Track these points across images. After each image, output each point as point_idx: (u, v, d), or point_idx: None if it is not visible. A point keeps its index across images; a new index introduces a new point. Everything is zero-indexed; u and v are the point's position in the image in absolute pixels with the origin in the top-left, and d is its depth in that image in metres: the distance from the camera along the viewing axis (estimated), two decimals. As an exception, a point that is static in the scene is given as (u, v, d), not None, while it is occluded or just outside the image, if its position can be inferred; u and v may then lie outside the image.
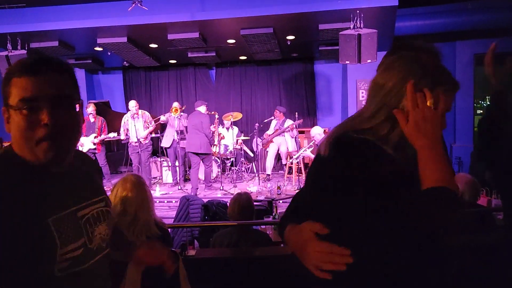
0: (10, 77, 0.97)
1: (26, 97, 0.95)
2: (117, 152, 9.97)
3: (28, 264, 0.94)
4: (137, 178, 2.29)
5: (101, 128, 7.83)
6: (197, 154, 7.35)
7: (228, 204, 4.62)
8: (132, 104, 7.81)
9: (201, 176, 8.07)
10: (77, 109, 1.06)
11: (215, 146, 8.27)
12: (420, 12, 8.30)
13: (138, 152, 7.61)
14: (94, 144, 7.66)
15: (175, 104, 8.09)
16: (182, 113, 8.13)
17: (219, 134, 8.41)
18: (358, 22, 6.37)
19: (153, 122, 7.83)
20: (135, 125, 7.63)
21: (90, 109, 7.87)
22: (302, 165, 8.30)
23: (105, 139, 7.87)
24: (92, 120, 7.80)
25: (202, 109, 7.57)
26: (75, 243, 1.03)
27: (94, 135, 7.66)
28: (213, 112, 8.38)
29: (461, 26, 8.01)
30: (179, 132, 8.11)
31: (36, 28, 7.25)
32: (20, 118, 0.95)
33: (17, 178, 0.97)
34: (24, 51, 7.37)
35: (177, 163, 8.28)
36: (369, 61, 6.47)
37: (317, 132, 7.37)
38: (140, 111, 7.81)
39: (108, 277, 1.22)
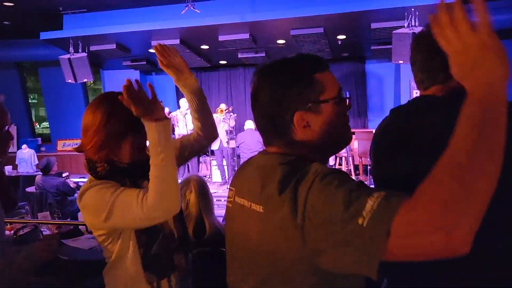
0: (312, 74, 0.93)
1: (340, 87, 0.97)
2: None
3: None
4: (200, 179, 2.26)
5: None
6: None
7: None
8: (184, 102, 8.11)
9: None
10: None
11: None
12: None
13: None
14: None
15: (222, 106, 8.26)
16: (231, 114, 8.26)
17: None
18: (412, 21, 6.16)
19: None
20: (186, 121, 7.88)
21: (166, 110, 8.22)
22: (352, 167, 8.15)
23: None
24: None
25: (251, 124, 7.78)
26: None
27: None
28: (230, 108, 8.50)
29: (525, 22, 7.52)
30: (228, 132, 8.25)
31: (95, 32, 7.64)
32: (341, 108, 0.96)
33: None
34: (84, 54, 7.79)
35: (224, 163, 8.40)
36: (424, 60, 6.24)
37: None
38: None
39: None
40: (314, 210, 0.76)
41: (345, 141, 1.00)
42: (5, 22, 8.79)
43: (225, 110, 8.19)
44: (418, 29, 6.11)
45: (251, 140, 7.53)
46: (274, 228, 0.84)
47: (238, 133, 8.27)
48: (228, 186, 1.24)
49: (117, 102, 1.24)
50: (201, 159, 8.57)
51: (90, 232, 3.19)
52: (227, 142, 8.26)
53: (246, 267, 0.97)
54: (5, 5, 7.59)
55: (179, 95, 10.96)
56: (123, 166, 1.32)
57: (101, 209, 1.20)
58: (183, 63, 1.52)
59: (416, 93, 8.61)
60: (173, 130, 8.15)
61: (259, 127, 1.00)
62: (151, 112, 1.18)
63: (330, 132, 0.93)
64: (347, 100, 0.99)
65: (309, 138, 0.92)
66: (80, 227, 3.76)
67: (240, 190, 1.01)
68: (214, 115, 8.16)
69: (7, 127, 1.41)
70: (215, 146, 8.35)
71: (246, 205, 0.94)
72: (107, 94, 1.35)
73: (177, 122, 8.07)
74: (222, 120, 8.15)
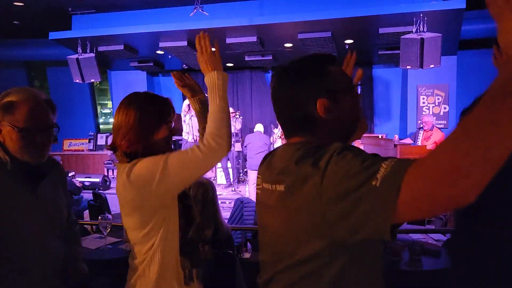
0: (325, 67, 1.04)
1: (351, 78, 1.13)
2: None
3: None
4: (212, 182, 2.41)
5: None
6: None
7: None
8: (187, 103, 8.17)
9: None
10: None
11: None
12: (488, 14, 7.82)
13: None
14: None
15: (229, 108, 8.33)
16: (237, 117, 8.28)
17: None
18: (421, 26, 6.15)
19: None
20: (192, 122, 7.92)
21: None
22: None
23: None
24: None
25: (261, 128, 7.89)
26: None
27: None
28: (238, 113, 8.56)
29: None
30: (234, 134, 8.26)
31: (104, 33, 7.67)
32: (354, 96, 1.07)
33: None
34: (92, 54, 7.82)
35: (229, 165, 8.42)
36: (432, 66, 6.22)
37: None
38: None
39: None
40: (332, 179, 0.83)
41: (362, 127, 1.13)
42: (15, 22, 8.86)
43: (231, 113, 8.24)
44: (426, 35, 6.10)
45: (257, 142, 7.64)
46: (295, 203, 0.92)
47: (247, 134, 8.31)
48: (233, 188, 1.27)
49: (146, 100, 1.45)
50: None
51: (97, 232, 3.20)
52: (232, 145, 8.27)
53: (274, 246, 1.05)
54: (15, 4, 7.65)
55: (185, 97, 10.98)
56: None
57: (155, 169, 1.30)
58: (196, 84, 1.75)
59: (423, 98, 8.59)
60: (181, 131, 8.17)
61: (282, 121, 1.09)
62: (215, 65, 1.49)
63: (347, 118, 1.04)
64: (359, 89, 1.09)
65: (330, 124, 1.02)
66: (85, 226, 3.77)
67: (265, 177, 1.09)
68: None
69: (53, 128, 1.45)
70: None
71: (270, 188, 1.03)
72: (136, 94, 1.49)
73: (184, 123, 8.11)
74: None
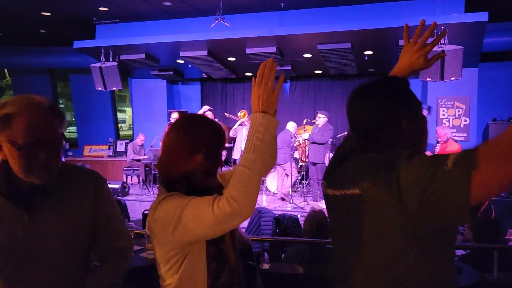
0: (406, 90, 1.21)
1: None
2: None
3: None
4: None
5: None
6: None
7: (299, 219, 4.63)
8: (208, 113, 8.28)
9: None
10: None
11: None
12: (510, 26, 7.75)
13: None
14: None
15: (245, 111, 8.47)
16: (246, 124, 8.37)
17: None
18: (442, 38, 6.11)
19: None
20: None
21: (175, 115, 8.44)
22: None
23: None
24: None
25: (290, 126, 8.02)
26: None
27: None
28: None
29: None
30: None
31: (126, 42, 7.85)
32: (425, 119, 1.22)
33: None
34: (115, 63, 7.99)
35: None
36: (452, 78, 6.17)
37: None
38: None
39: None
40: (406, 178, 0.92)
41: (425, 145, 1.23)
42: (42, 30, 9.13)
43: (248, 116, 8.30)
44: (447, 47, 6.06)
45: (278, 139, 7.68)
46: (373, 204, 1.01)
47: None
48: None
49: (188, 123, 1.35)
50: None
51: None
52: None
53: (348, 244, 1.14)
54: (43, 14, 7.89)
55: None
56: (199, 186, 1.33)
57: (171, 218, 1.21)
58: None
59: (443, 110, 8.49)
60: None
61: (363, 137, 1.18)
62: (268, 105, 1.20)
63: (419, 135, 1.16)
64: (426, 111, 1.22)
65: (406, 141, 1.11)
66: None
67: (333, 184, 1.19)
68: (237, 123, 8.30)
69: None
70: (236, 155, 8.43)
71: (339, 193, 1.13)
72: (186, 115, 1.42)
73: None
74: (244, 124, 8.27)
